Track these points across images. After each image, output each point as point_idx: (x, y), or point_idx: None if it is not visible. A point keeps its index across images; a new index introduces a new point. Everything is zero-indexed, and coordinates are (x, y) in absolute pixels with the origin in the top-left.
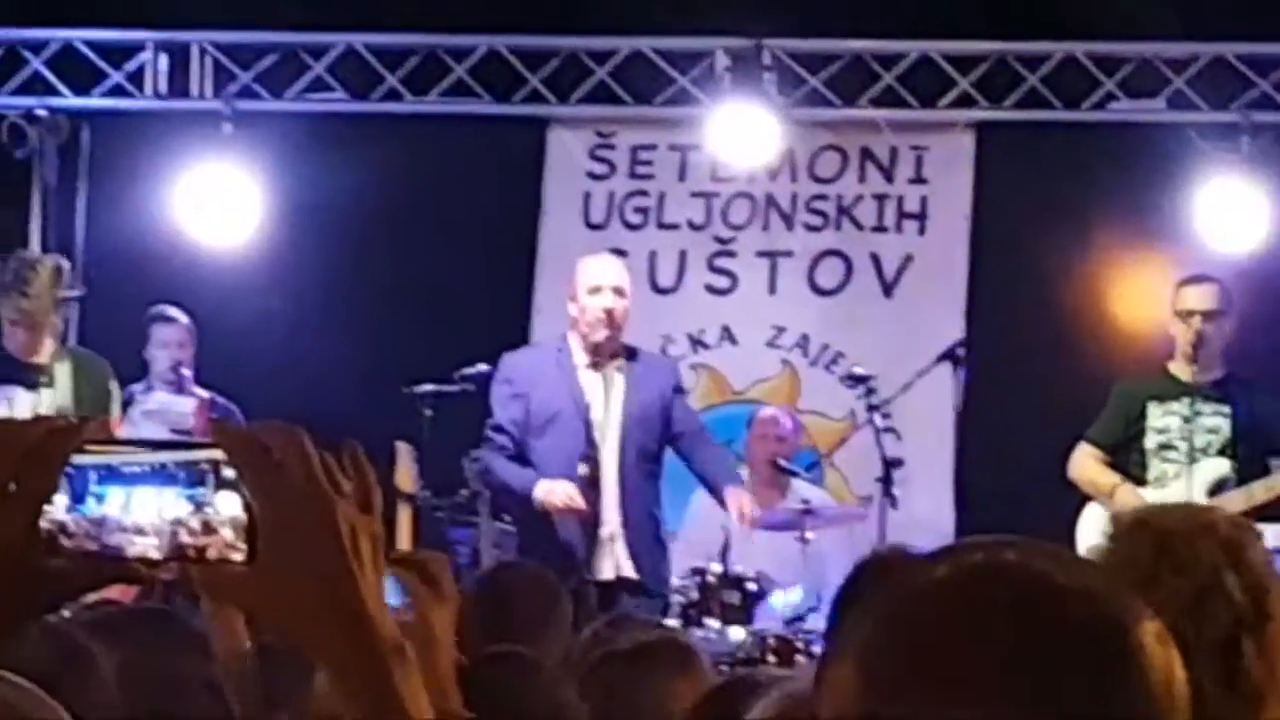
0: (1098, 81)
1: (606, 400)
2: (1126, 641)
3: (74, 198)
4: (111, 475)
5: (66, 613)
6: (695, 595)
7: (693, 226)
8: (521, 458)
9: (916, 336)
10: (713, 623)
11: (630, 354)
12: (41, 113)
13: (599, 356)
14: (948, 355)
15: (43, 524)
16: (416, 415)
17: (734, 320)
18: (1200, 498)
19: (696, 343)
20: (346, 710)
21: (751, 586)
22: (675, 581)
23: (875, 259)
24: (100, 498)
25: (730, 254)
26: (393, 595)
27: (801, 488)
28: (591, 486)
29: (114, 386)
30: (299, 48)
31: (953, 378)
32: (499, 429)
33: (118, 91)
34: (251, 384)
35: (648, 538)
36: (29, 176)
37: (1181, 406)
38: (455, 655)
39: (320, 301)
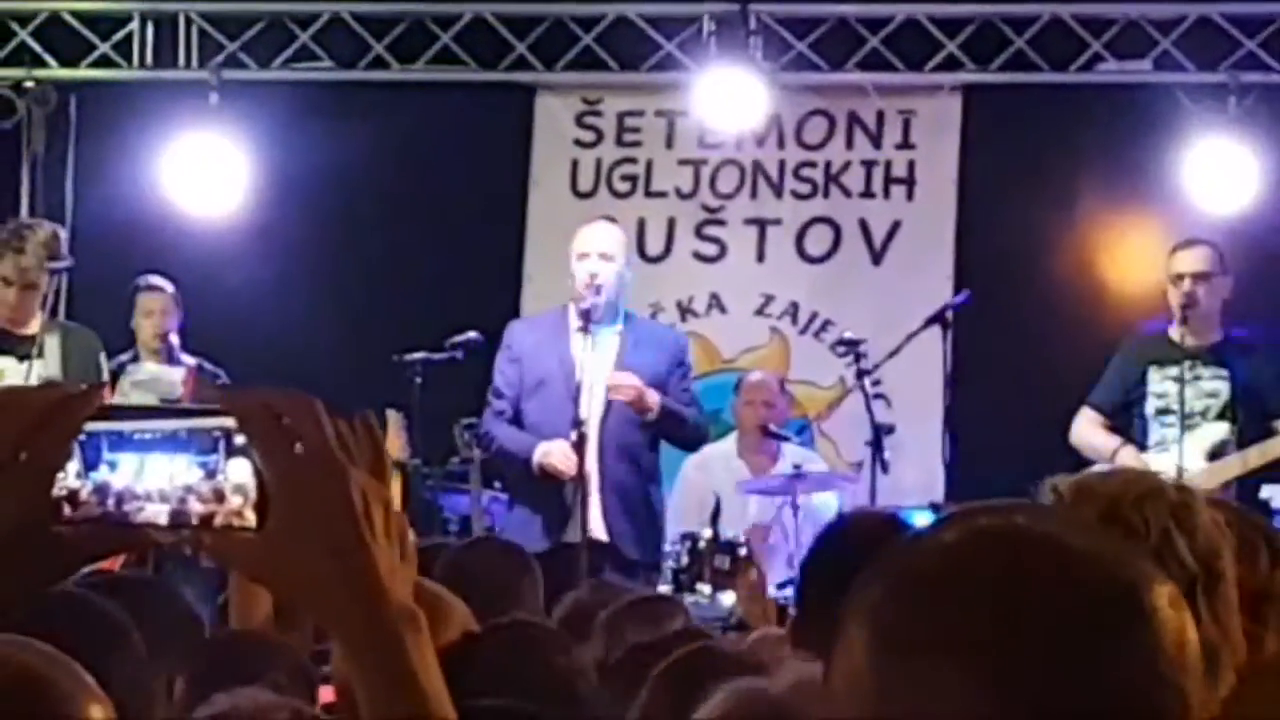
0: (1085, 43)
1: (593, 365)
2: (1138, 604)
3: (62, 168)
4: (123, 442)
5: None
6: (686, 560)
7: (680, 194)
8: (517, 420)
9: (905, 303)
10: (704, 588)
11: (631, 321)
12: (29, 84)
13: (588, 321)
14: (937, 318)
15: (54, 492)
16: (406, 383)
17: (723, 288)
18: (1200, 462)
19: (686, 311)
20: (357, 677)
21: (742, 551)
22: (665, 547)
23: (864, 226)
24: (112, 465)
25: (719, 222)
26: None
27: (792, 452)
28: (579, 450)
29: (103, 359)
30: (285, 17)
31: (942, 341)
32: (498, 393)
33: (105, 62)
34: (240, 353)
35: (629, 502)
36: (17, 147)
37: (1180, 371)
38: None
39: (308, 270)
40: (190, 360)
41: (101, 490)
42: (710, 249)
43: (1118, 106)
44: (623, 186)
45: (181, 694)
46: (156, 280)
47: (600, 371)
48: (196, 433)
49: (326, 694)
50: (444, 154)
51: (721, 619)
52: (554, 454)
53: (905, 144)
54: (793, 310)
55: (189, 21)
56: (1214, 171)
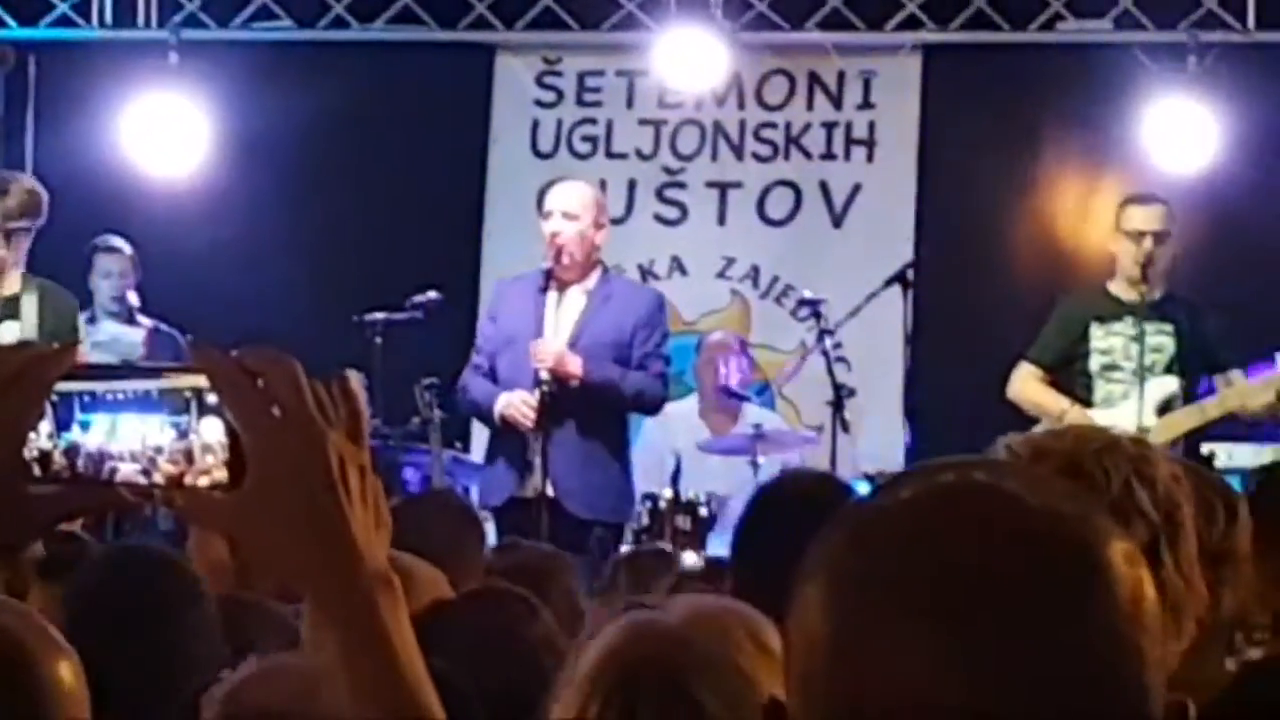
0: (1045, 2)
1: (557, 324)
2: (1094, 560)
3: (21, 128)
4: (96, 403)
5: None
6: (646, 520)
7: (641, 156)
8: (493, 375)
9: (866, 267)
10: (665, 547)
11: (605, 280)
12: None
13: (549, 280)
14: (897, 278)
15: (26, 452)
16: (366, 343)
17: (684, 251)
18: (1150, 417)
19: (646, 273)
20: (331, 641)
21: (703, 511)
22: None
23: (824, 188)
24: (85, 425)
25: (680, 185)
26: None
27: (753, 412)
28: (540, 408)
29: (80, 322)
30: None
31: (902, 301)
32: (478, 349)
33: (64, 22)
34: (200, 314)
35: (580, 462)
36: None
37: (1125, 326)
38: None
39: (269, 230)
40: (147, 322)
41: (74, 450)
42: (671, 212)
43: (1078, 66)
44: (583, 148)
45: None
46: (115, 241)
47: (564, 331)
48: (168, 393)
49: None
50: (404, 114)
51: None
52: (513, 404)
53: (866, 104)
54: (754, 274)
55: None
56: (1173, 131)
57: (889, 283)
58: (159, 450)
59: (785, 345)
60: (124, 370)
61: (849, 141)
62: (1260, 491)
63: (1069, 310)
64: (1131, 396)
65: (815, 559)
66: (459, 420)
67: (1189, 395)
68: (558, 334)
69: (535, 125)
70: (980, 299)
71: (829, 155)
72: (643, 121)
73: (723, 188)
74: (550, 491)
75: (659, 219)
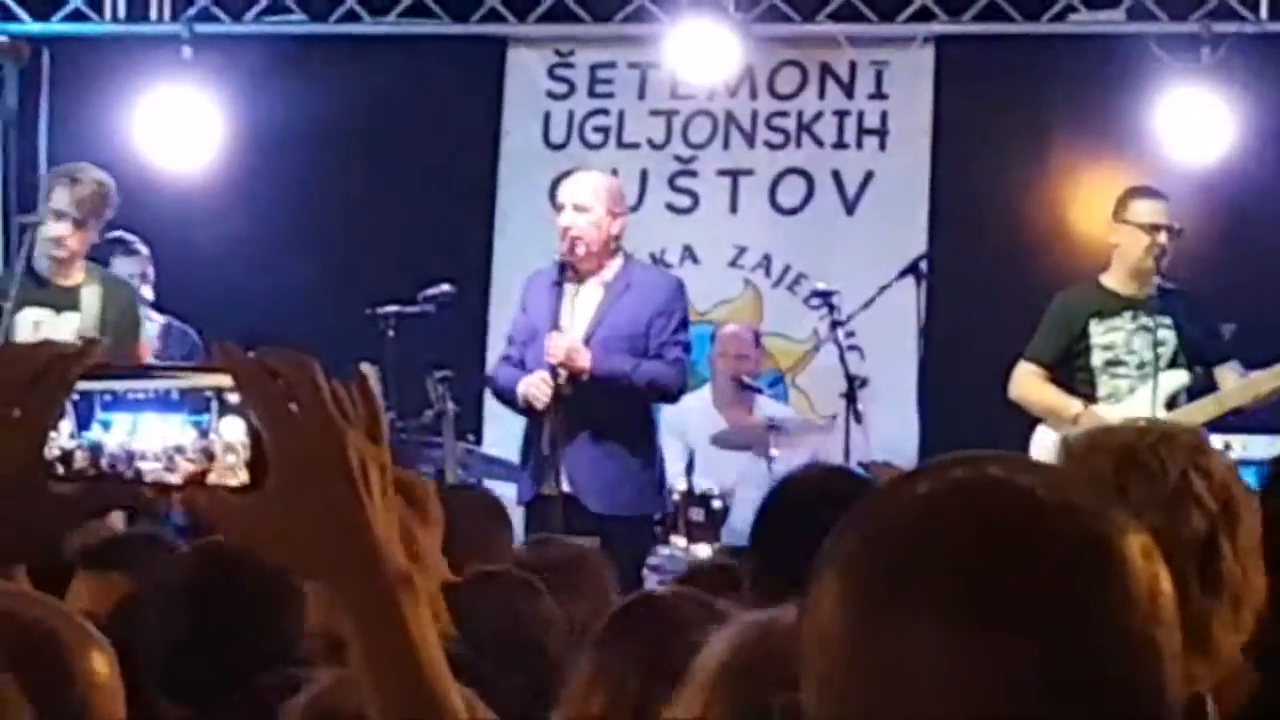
0: None
1: (574, 317)
2: (1109, 555)
3: (35, 123)
4: (117, 402)
5: None
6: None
7: (653, 145)
8: (523, 366)
9: (879, 254)
10: (678, 540)
11: (625, 270)
12: (1, 38)
13: (573, 271)
14: (910, 270)
15: (48, 450)
16: (379, 337)
17: (695, 240)
18: (1160, 412)
19: (658, 261)
20: (352, 640)
21: (716, 504)
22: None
23: (837, 176)
24: (106, 425)
25: (691, 173)
26: None
27: (766, 404)
28: (556, 400)
29: (142, 313)
30: None
31: (916, 292)
32: (509, 340)
33: (77, 16)
34: (214, 308)
35: (600, 456)
36: None
37: (1124, 321)
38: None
39: (282, 224)
40: (160, 318)
41: (99, 449)
42: (683, 200)
43: (1091, 57)
44: (595, 138)
45: None
46: (133, 241)
47: (581, 324)
48: (189, 392)
49: None
50: (416, 106)
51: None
52: (531, 382)
53: (878, 94)
54: (766, 263)
55: None
56: (1187, 122)
57: (902, 275)
58: (180, 449)
59: (798, 334)
60: (145, 370)
61: (861, 130)
62: (1273, 483)
63: (1065, 307)
64: (1139, 391)
65: (830, 556)
66: (472, 413)
67: (1191, 388)
68: (574, 327)
69: (547, 117)
70: (993, 290)
71: (841, 144)
72: (654, 112)
73: (734, 176)
74: (568, 488)
75: (670, 207)
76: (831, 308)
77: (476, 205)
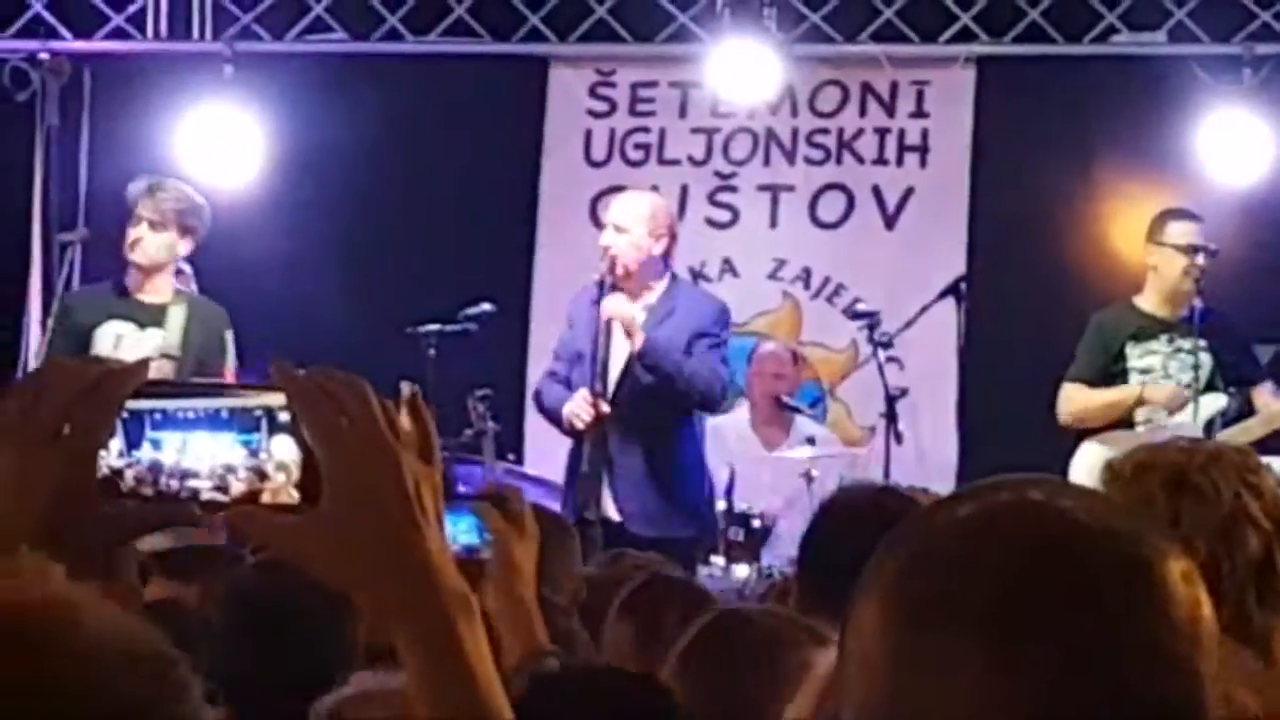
0: (1099, 15)
1: (617, 337)
2: (1150, 579)
3: (77, 140)
4: (167, 421)
5: None
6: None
7: (693, 162)
8: (568, 383)
9: (918, 268)
10: (718, 560)
11: (670, 293)
12: (44, 56)
13: (601, 292)
14: (950, 291)
15: (99, 470)
16: (420, 355)
17: (735, 253)
18: (1198, 434)
19: (697, 275)
20: (409, 659)
21: (756, 524)
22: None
23: (876, 192)
24: (156, 443)
25: (731, 189)
26: (474, 533)
27: (805, 425)
28: (597, 422)
29: (228, 336)
30: None
31: (955, 313)
32: (556, 356)
33: (119, 34)
34: (255, 326)
35: (642, 480)
36: (31, 120)
37: (1161, 344)
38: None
39: (323, 242)
40: None
41: (155, 468)
42: (723, 215)
43: (1132, 78)
44: (636, 155)
45: None
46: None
47: (623, 345)
48: (239, 411)
49: None
50: (457, 126)
51: (736, 591)
52: (574, 404)
53: (919, 113)
54: (805, 275)
55: None
56: (1228, 143)
57: (942, 295)
58: (231, 468)
59: (837, 344)
60: (195, 388)
61: (902, 148)
62: None
63: (1101, 330)
64: (1177, 415)
65: (872, 578)
66: (512, 432)
67: (1231, 411)
68: (617, 346)
69: (588, 135)
70: (1033, 309)
71: (881, 160)
72: (695, 130)
73: (774, 191)
74: (611, 511)
75: (710, 222)
76: (873, 327)
77: (517, 223)
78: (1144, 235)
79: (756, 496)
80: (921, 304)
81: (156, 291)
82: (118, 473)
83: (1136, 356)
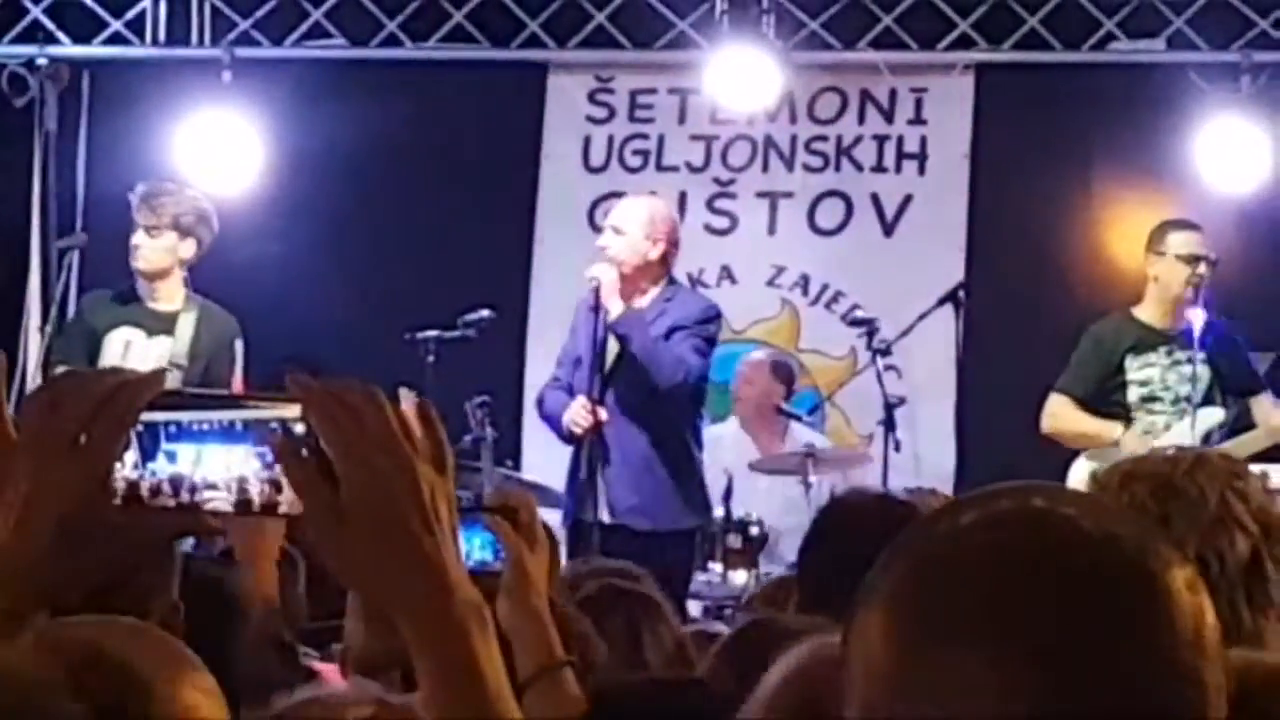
0: (1097, 22)
1: (611, 344)
2: (1154, 587)
3: (75, 146)
4: (181, 433)
5: None
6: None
7: (692, 168)
8: (570, 391)
9: (917, 275)
10: (715, 567)
11: (665, 295)
12: (42, 61)
13: (597, 297)
14: (949, 298)
15: (114, 481)
16: (418, 361)
17: (733, 260)
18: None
19: (695, 282)
20: (422, 669)
21: (754, 530)
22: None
23: (875, 199)
24: (171, 455)
25: (730, 195)
26: (488, 549)
27: (803, 431)
28: (594, 427)
29: (238, 345)
30: None
31: (954, 320)
32: (558, 363)
33: (118, 39)
34: (253, 331)
35: (638, 482)
36: (30, 125)
37: (1160, 356)
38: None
39: (322, 249)
40: None
41: (176, 481)
42: (721, 221)
43: (1130, 86)
44: (634, 161)
45: None
46: None
47: (611, 349)
48: (254, 423)
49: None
50: (457, 132)
51: (733, 598)
52: (573, 410)
53: (917, 120)
54: (803, 282)
55: None
56: (1226, 151)
57: (941, 302)
58: (246, 480)
59: (835, 352)
60: (210, 400)
61: (900, 155)
62: None
63: (1099, 341)
64: (1175, 428)
65: (875, 586)
66: (511, 438)
67: (1229, 423)
68: (608, 351)
69: (587, 141)
70: (1031, 316)
71: (880, 168)
72: (694, 137)
73: (773, 197)
74: (607, 516)
75: (709, 228)
76: (871, 334)
77: (516, 229)
78: (1142, 243)
79: (754, 504)
80: (920, 311)
81: (167, 298)
82: (133, 486)
83: (1135, 369)
